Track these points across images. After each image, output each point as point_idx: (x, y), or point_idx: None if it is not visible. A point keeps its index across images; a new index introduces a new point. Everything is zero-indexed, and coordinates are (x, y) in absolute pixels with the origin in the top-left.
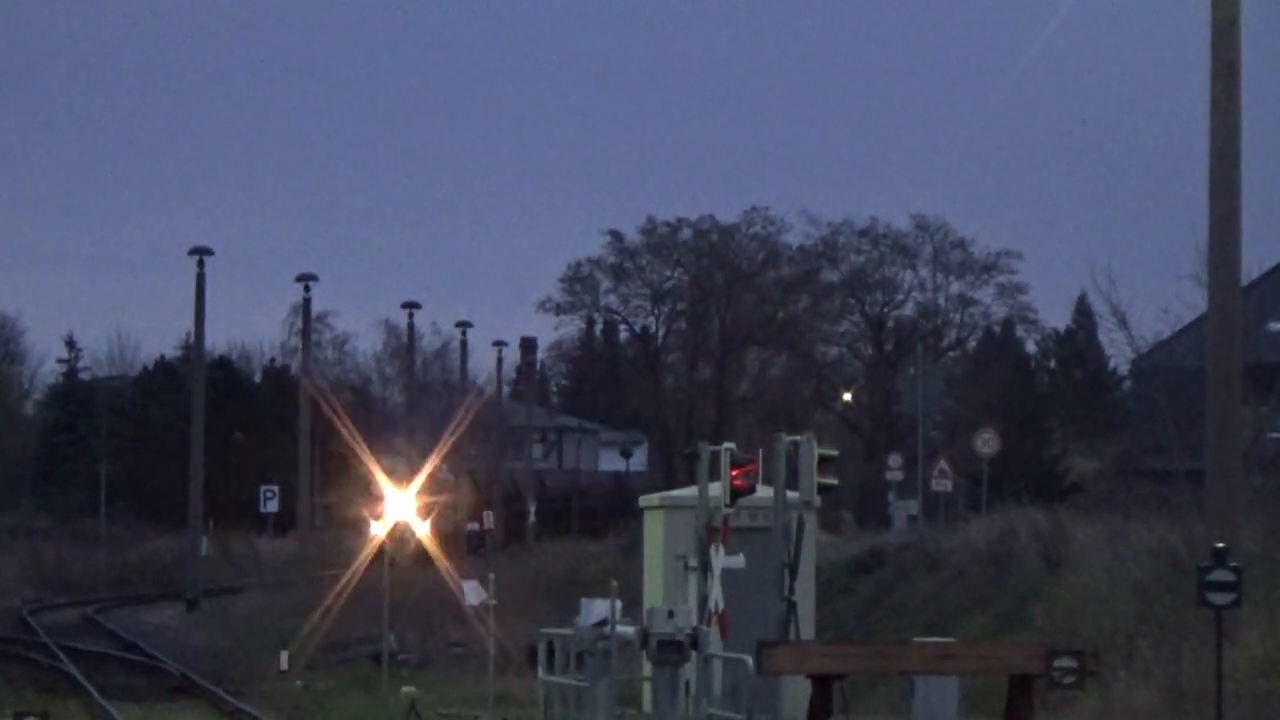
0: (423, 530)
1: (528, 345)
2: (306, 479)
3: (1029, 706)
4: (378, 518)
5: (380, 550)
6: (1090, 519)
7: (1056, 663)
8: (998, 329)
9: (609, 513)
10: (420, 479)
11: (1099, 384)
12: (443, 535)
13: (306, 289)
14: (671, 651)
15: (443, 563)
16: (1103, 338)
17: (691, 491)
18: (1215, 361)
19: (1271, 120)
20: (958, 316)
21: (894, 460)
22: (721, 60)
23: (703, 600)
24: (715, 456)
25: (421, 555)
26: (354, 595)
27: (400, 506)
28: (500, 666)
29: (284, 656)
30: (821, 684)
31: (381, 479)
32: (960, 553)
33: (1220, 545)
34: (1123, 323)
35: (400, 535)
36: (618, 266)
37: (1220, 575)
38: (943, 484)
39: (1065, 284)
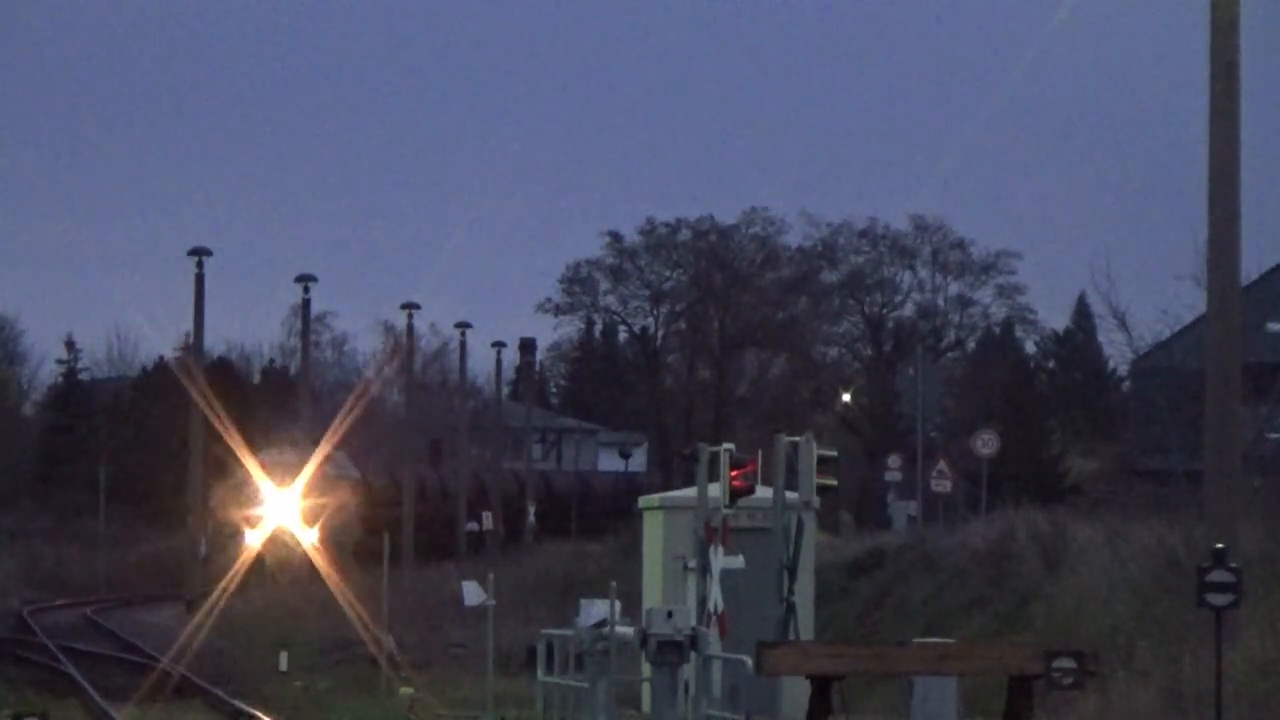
0: (309, 538)
1: (527, 346)
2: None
3: (1028, 707)
4: (253, 525)
5: (258, 562)
6: (1089, 520)
7: (1056, 663)
8: (997, 330)
9: (584, 515)
10: (303, 478)
11: (1098, 385)
12: (337, 543)
13: (306, 289)
14: (670, 652)
15: (332, 577)
16: (1102, 338)
17: (691, 492)
18: (1215, 361)
19: (1271, 120)
20: (957, 317)
21: (893, 461)
22: (721, 60)
23: (702, 601)
24: (714, 457)
25: (308, 567)
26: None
27: (279, 510)
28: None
29: (284, 657)
30: (821, 685)
31: (261, 480)
32: (959, 553)
33: (1219, 546)
34: (1122, 323)
35: (283, 543)
36: (617, 267)
37: (1219, 576)
38: (942, 485)
39: (1065, 284)
